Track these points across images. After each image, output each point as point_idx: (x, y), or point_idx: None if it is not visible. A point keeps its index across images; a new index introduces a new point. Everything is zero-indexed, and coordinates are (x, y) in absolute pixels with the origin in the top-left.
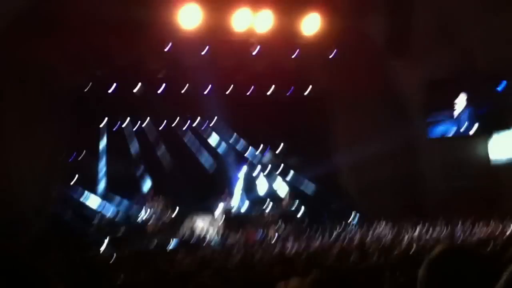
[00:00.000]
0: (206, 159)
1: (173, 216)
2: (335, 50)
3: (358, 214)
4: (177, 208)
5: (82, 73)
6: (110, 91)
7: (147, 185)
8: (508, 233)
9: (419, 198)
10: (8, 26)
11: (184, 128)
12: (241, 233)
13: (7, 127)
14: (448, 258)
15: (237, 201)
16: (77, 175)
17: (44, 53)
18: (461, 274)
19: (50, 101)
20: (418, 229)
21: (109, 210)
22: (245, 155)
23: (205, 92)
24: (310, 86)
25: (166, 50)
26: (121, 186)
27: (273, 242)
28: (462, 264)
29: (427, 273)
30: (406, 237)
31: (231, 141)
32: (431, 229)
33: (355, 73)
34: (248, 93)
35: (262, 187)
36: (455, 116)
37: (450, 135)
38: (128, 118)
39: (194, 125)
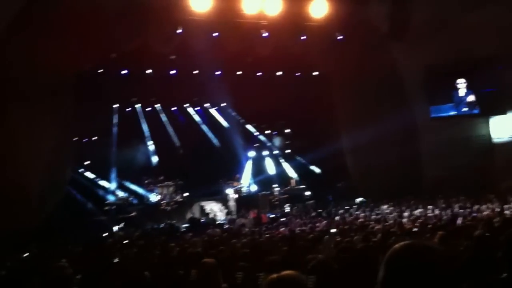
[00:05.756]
0: (216, 142)
1: (183, 198)
2: (340, 34)
3: (362, 195)
4: (188, 190)
5: (94, 57)
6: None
7: (158, 168)
8: (506, 212)
9: (421, 178)
10: (18, 16)
11: (194, 111)
12: (251, 213)
13: (16, 111)
14: (406, 257)
15: (247, 183)
16: (89, 157)
17: (55, 39)
18: (420, 272)
19: (60, 85)
20: (419, 210)
21: (122, 192)
22: (254, 137)
23: (215, 74)
24: (317, 69)
25: (177, 32)
26: (133, 168)
27: (281, 221)
28: (421, 262)
29: (386, 273)
30: (407, 219)
31: (240, 123)
32: (431, 210)
33: (358, 57)
34: (257, 75)
35: (270, 168)
36: (455, 99)
37: (451, 114)
38: (140, 101)
39: (204, 107)
